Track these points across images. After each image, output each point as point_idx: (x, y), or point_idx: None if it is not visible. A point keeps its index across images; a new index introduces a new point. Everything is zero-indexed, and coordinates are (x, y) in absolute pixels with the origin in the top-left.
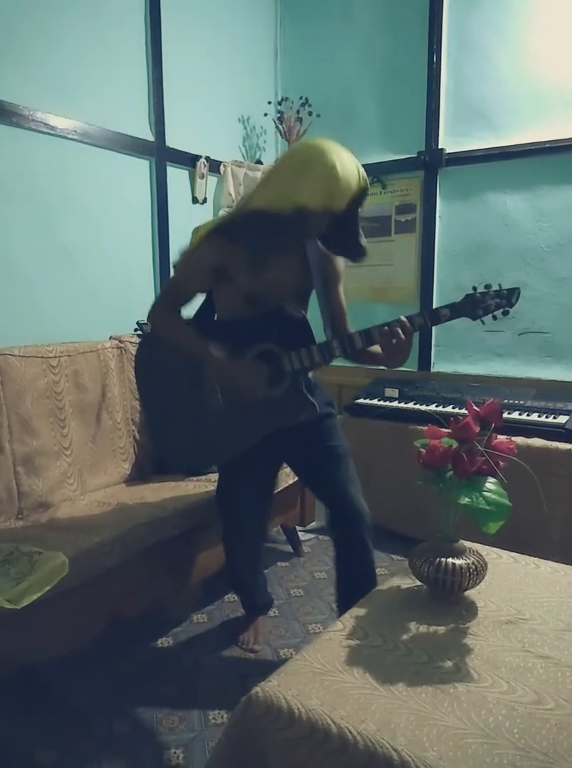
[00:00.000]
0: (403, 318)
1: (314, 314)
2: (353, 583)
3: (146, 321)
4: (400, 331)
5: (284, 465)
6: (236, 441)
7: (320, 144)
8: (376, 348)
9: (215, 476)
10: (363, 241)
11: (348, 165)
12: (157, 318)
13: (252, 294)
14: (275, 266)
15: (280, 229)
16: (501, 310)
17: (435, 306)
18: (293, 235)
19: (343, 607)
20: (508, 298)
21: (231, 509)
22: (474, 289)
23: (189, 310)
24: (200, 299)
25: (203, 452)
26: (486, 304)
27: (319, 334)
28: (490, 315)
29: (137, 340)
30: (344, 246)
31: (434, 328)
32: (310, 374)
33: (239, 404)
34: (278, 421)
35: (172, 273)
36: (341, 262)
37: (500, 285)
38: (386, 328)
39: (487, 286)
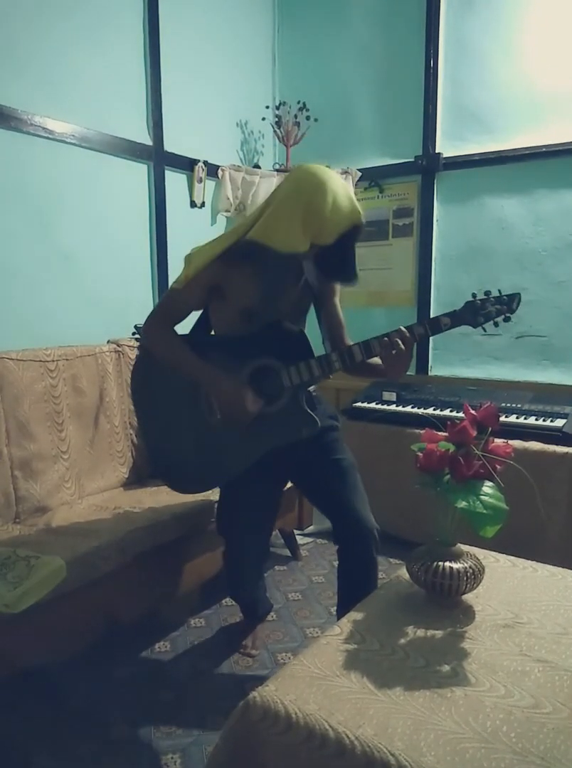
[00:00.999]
0: (403, 328)
1: (312, 329)
2: (357, 598)
3: (139, 333)
4: (400, 342)
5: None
6: (237, 460)
7: (316, 176)
8: (376, 360)
9: None
10: (356, 269)
11: (342, 200)
12: (151, 333)
13: (249, 311)
14: (273, 286)
15: (276, 267)
16: (503, 317)
17: (432, 309)
18: (288, 266)
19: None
20: (509, 303)
21: (233, 528)
22: (474, 295)
23: (186, 326)
24: (195, 315)
25: (202, 474)
26: (486, 310)
27: (318, 348)
28: (491, 321)
29: (135, 343)
30: (337, 273)
31: None
32: (311, 388)
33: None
34: (278, 437)
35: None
36: None
37: (500, 291)
38: (385, 339)
39: (487, 293)
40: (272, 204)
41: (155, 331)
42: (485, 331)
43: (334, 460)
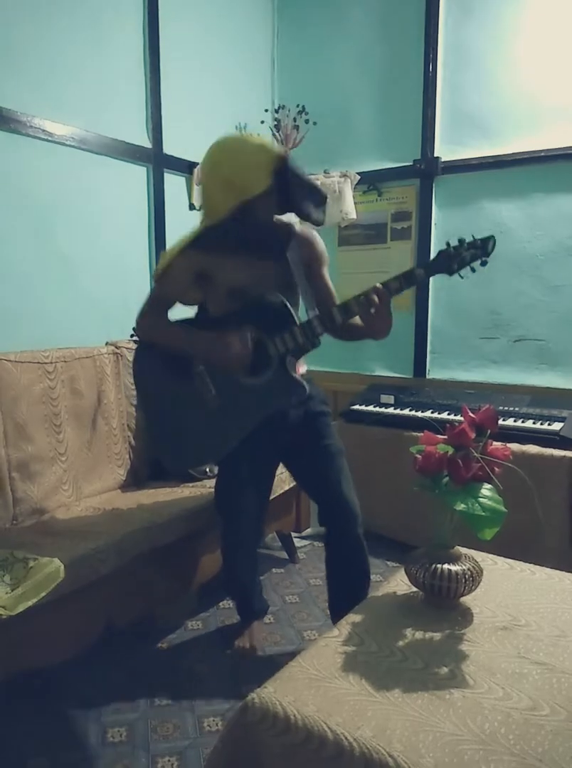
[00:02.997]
0: (378, 284)
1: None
2: (346, 583)
3: (135, 332)
4: (376, 298)
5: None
6: (232, 432)
7: (213, 147)
8: (358, 321)
9: (210, 482)
10: (312, 204)
11: (249, 144)
12: (141, 321)
13: (236, 291)
14: (252, 261)
15: (239, 230)
16: (479, 261)
17: (430, 312)
18: (253, 226)
19: (336, 608)
20: (483, 247)
21: (231, 507)
22: (447, 244)
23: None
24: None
25: (200, 449)
26: (460, 256)
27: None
28: (468, 267)
29: (133, 346)
30: (300, 210)
31: (429, 333)
32: (304, 370)
33: (232, 391)
34: (269, 404)
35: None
36: (321, 245)
37: (473, 236)
38: (362, 297)
39: (460, 239)
40: (203, 190)
41: (144, 318)
42: (462, 277)
43: (324, 445)
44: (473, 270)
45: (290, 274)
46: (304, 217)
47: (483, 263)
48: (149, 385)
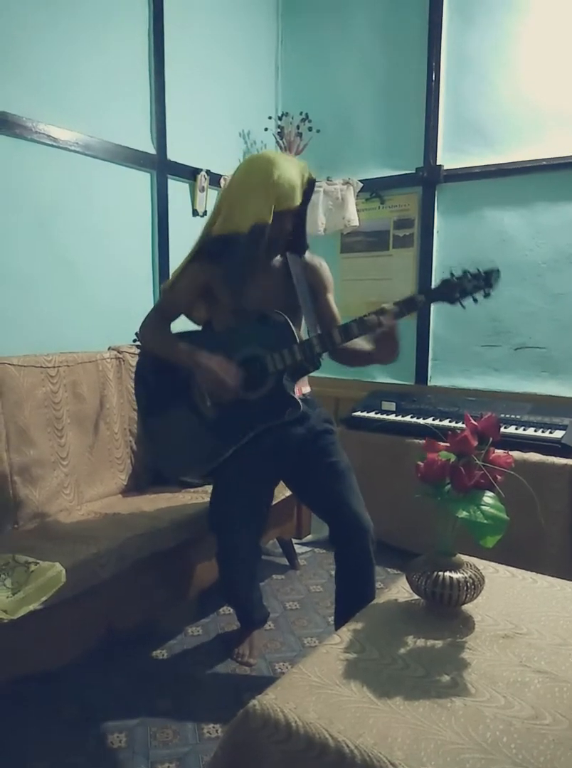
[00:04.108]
0: (384, 306)
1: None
2: (355, 598)
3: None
4: (376, 320)
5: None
6: (223, 444)
7: (254, 157)
8: (362, 344)
9: (210, 488)
10: (306, 235)
11: (285, 165)
12: (144, 329)
13: (238, 309)
14: (257, 282)
15: (246, 247)
16: (482, 292)
17: (432, 319)
18: (262, 248)
19: (341, 620)
20: (487, 279)
21: (224, 524)
22: (452, 273)
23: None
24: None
25: (191, 458)
26: (463, 287)
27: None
28: (470, 298)
29: (136, 350)
30: (290, 241)
31: (431, 341)
32: (306, 391)
33: (228, 404)
34: (262, 419)
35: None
36: (327, 271)
37: (478, 268)
38: (364, 319)
39: (464, 270)
40: (225, 199)
41: (147, 327)
42: (463, 308)
43: (330, 463)
44: (475, 301)
45: (294, 296)
46: (291, 243)
47: (486, 295)
48: (149, 392)
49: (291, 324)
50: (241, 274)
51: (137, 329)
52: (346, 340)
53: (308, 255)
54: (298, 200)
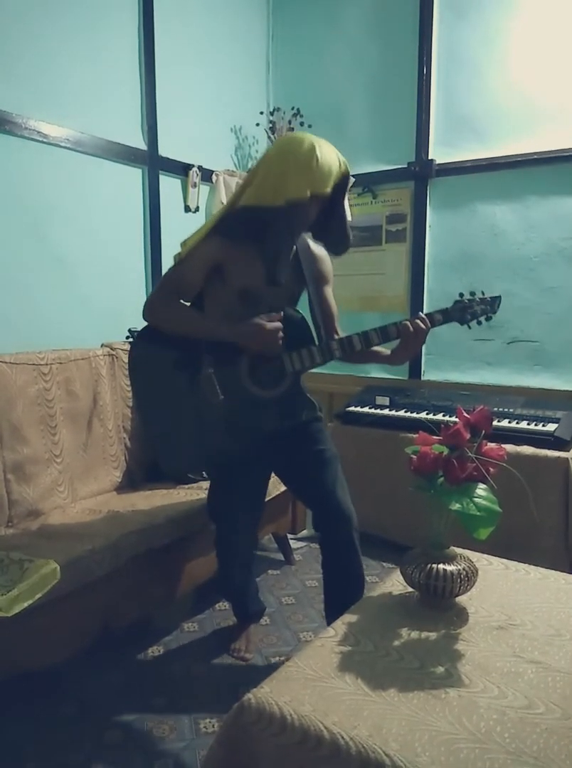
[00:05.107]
0: (407, 321)
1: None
2: (341, 585)
3: (142, 314)
4: (396, 331)
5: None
6: (236, 440)
7: (297, 135)
8: (377, 348)
9: (206, 484)
10: (349, 231)
11: (327, 150)
12: (155, 307)
13: (248, 292)
14: (269, 267)
15: (274, 223)
16: (486, 317)
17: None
18: (289, 227)
19: (331, 610)
20: (492, 304)
21: (223, 515)
22: (461, 295)
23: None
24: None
25: (201, 454)
26: (472, 309)
27: None
28: (476, 321)
29: (129, 347)
30: (330, 235)
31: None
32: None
33: (240, 399)
34: (278, 421)
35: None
36: (330, 263)
37: (483, 292)
38: (391, 328)
39: (472, 293)
40: (260, 170)
41: (158, 304)
42: (470, 328)
43: (318, 451)
44: (479, 323)
45: (303, 285)
46: (328, 240)
47: (489, 319)
48: (147, 385)
49: (308, 324)
50: (275, 251)
51: (130, 326)
52: (366, 348)
53: (312, 245)
54: (330, 187)
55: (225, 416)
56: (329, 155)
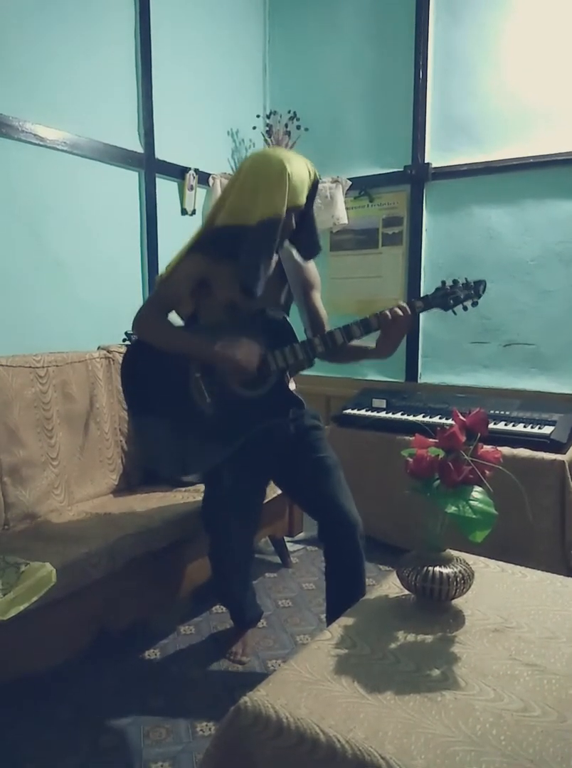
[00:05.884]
0: (386, 311)
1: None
2: (347, 592)
3: (131, 329)
4: (376, 321)
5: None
6: (223, 443)
7: (266, 152)
8: (361, 342)
9: (203, 486)
10: (319, 236)
11: (296, 164)
12: (143, 321)
13: (233, 305)
14: (252, 273)
15: (251, 240)
16: (471, 302)
17: (421, 319)
18: (267, 242)
19: (335, 616)
20: (476, 288)
21: (217, 524)
22: (443, 282)
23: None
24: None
25: (190, 457)
26: (455, 295)
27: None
28: (461, 305)
29: (125, 350)
30: (301, 241)
31: (421, 338)
32: (292, 387)
33: (227, 402)
34: (265, 417)
35: (155, 286)
36: (315, 270)
37: (466, 278)
38: (367, 319)
39: (455, 280)
40: (233, 191)
41: (146, 319)
42: (455, 314)
43: (319, 459)
44: (465, 308)
45: (288, 293)
46: (300, 246)
47: (475, 304)
48: (139, 390)
49: (290, 324)
50: (256, 267)
51: (127, 329)
52: (348, 341)
53: (295, 253)
54: (304, 198)
55: (214, 418)
56: (299, 169)
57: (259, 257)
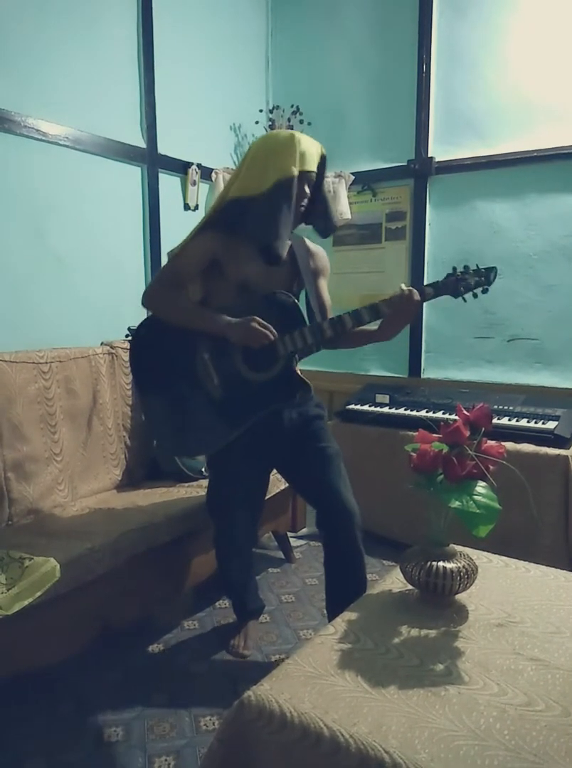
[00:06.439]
0: (395, 295)
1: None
2: (344, 583)
3: (141, 300)
4: (386, 307)
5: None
6: (230, 424)
7: (274, 131)
8: (365, 327)
9: (205, 482)
10: (333, 211)
11: (305, 136)
12: (154, 295)
13: (246, 285)
14: (262, 263)
15: (274, 202)
16: (481, 288)
17: (424, 311)
18: (285, 204)
19: (333, 608)
20: (487, 275)
21: (222, 511)
22: (454, 269)
23: None
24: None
25: (196, 438)
26: (466, 281)
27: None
28: (471, 292)
29: (128, 346)
30: (317, 217)
31: (424, 333)
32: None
33: (235, 383)
34: (273, 400)
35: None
36: (326, 259)
37: (477, 265)
38: (377, 305)
39: (466, 266)
40: (244, 164)
41: (157, 291)
42: (465, 301)
43: (320, 448)
44: (475, 295)
45: (299, 279)
46: (316, 223)
47: (485, 291)
48: (147, 371)
49: (300, 308)
50: (276, 226)
51: (130, 325)
52: (356, 326)
53: (308, 241)
54: (315, 166)
55: (222, 400)
56: (308, 139)
57: (278, 216)
